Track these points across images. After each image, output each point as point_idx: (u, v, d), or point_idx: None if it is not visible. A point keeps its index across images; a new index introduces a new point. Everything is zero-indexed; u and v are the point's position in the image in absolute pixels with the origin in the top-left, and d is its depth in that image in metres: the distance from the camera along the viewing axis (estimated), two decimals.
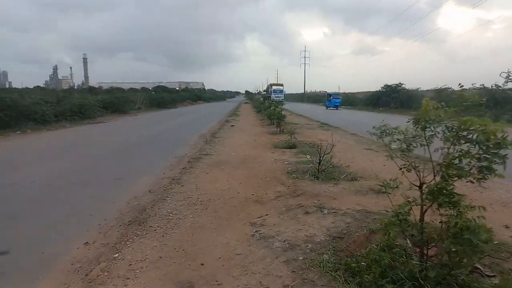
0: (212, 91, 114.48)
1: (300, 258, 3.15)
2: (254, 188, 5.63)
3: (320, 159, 6.35)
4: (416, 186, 2.97)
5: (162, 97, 45.67)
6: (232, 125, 17.35)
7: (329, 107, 41.67)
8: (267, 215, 4.37)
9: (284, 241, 3.50)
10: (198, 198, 5.17)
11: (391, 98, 38.75)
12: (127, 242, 3.65)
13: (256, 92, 57.41)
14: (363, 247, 3.47)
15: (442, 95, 34.93)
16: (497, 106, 25.99)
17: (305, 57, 79.31)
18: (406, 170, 2.98)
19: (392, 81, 43.81)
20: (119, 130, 17.49)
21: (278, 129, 13.73)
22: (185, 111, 35.21)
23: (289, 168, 6.96)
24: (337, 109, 40.24)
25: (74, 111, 21.67)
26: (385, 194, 5.23)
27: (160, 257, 3.30)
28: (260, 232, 3.78)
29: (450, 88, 37.50)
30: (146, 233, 3.87)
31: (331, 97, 42.67)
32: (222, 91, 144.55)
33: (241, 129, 15.71)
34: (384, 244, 3.15)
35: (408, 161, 2.98)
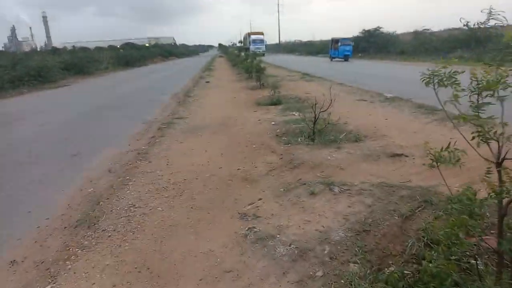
0: (184, 46, 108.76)
1: (319, 273, 2.18)
2: (240, 160, 4.56)
3: (315, 117, 5.28)
4: (492, 162, 1.95)
5: (130, 55, 42.39)
6: (207, 82, 15.85)
7: (334, 58, 31.27)
8: (260, 199, 3.34)
9: (290, 244, 2.50)
10: (169, 179, 4.06)
11: (370, 43, 37.26)
12: (68, 261, 2.57)
13: (231, 44, 53.10)
14: (399, 243, 2.54)
15: (421, 37, 33.87)
16: (479, 45, 25.29)
17: (278, 4, 74.77)
18: (481, 139, 1.91)
19: (369, 26, 41.30)
20: (82, 93, 15.73)
21: (258, 83, 12.44)
22: (155, 69, 32.90)
23: (278, 130, 5.88)
24: (347, 60, 29.37)
25: (32, 75, 19.65)
26: (401, 158, 4.35)
27: (113, 286, 2.25)
28: (254, 229, 2.76)
29: (428, 30, 36.39)
30: (96, 243, 2.78)
31: (338, 44, 30.25)
32: (195, 45, 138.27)
33: (217, 85, 14.30)
34: (439, 239, 2.16)
35: (482, 126, 1.89)
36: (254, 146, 5.11)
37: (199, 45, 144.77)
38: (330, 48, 33.01)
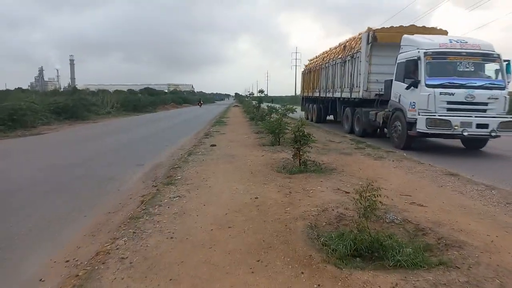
0: (201, 94, 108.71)
1: None
2: None
3: None
4: None
5: (139, 99, 38.94)
6: (212, 145, 10.76)
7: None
8: None
9: None
10: None
11: None
12: None
13: (248, 94, 44.85)
14: None
15: None
16: None
17: (296, 58, 71.73)
18: None
19: None
20: (38, 151, 10.94)
21: (297, 161, 7.19)
22: (161, 117, 28.80)
23: None
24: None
25: (1, 119, 15.72)
26: None
27: None
28: None
29: None
30: None
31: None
32: (212, 93, 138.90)
33: (228, 154, 9.11)
34: None
35: None
36: None
37: (216, 93, 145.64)
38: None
